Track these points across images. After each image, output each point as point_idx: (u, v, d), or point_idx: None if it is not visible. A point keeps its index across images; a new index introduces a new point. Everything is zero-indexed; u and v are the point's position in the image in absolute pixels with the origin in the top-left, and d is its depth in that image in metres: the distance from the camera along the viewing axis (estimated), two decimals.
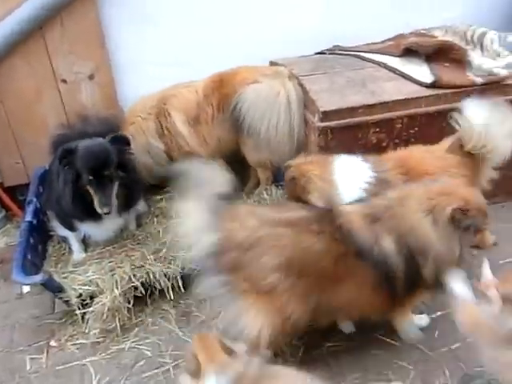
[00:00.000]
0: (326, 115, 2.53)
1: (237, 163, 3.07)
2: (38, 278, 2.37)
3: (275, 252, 1.76)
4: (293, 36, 3.37)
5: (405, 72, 2.79)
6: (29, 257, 2.52)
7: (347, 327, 2.32)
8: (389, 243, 1.82)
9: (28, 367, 2.35)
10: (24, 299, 2.77)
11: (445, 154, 2.39)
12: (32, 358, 2.39)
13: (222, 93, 2.80)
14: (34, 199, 2.86)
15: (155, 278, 2.51)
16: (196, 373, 1.51)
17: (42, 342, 2.47)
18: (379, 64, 2.92)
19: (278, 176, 3.06)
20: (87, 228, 2.63)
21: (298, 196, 2.34)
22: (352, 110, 2.55)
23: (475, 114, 2.28)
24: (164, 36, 3.23)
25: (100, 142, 2.46)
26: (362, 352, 2.28)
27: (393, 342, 2.32)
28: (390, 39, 3.32)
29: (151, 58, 3.27)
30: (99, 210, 2.41)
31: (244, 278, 1.78)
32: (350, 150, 2.59)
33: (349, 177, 2.28)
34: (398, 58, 2.96)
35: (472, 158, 2.36)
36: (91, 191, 2.41)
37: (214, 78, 2.87)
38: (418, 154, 2.40)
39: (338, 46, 3.37)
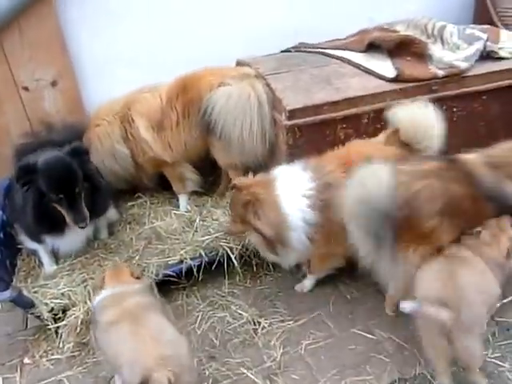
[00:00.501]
0: (293, 113, 2.53)
1: (205, 165, 3.07)
2: (7, 294, 2.31)
3: (433, 200, 2.03)
4: (258, 34, 3.37)
5: (368, 67, 2.81)
6: None
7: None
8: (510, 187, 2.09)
9: None
10: None
11: (383, 146, 2.46)
12: (5, 378, 2.33)
13: (187, 98, 2.76)
14: (0, 212, 2.77)
15: None
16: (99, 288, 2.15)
17: (15, 360, 2.41)
18: (343, 60, 2.93)
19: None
20: (54, 240, 2.57)
21: (244, 219, 2.32)
22: (318, 107, 2.55)
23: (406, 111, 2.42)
24: (129, 36, 3.19)
25: (61, 158, 2.37)
26: (340, 348, 2.31)
27: (369, 335, 2.36)
28: (353, 35, 3.34)
29: (116, 60, 3.21)
30: (75, 226, 2.39)
31: (408, 227, 2.02)
32: (318, 148, 2.60)
33: (291, 194, 2.28)
34: (361, 54, 2.98)
35: (409, 150, 2.43)
36: (61, 209, 2.36)
37: (178, 83, 2.82)
38: (357, 148, 2.43)
39: (303, 43, 3.38)
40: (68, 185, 2.33)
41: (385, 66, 2.80)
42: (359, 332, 2.38)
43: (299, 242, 2.31)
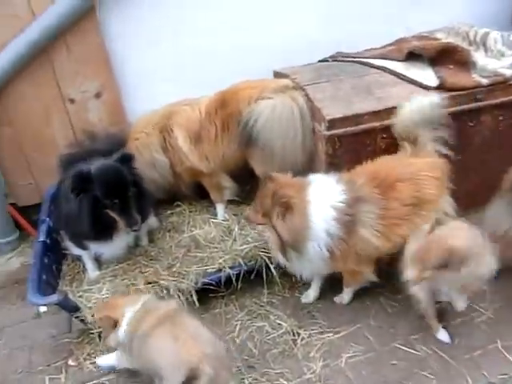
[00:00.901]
0: (333, 123, 2.52)
1: (242, 175, 3.09)
2: (54, 298, 2.39)
3: None
4: (294, 44, 3.38)
5: (409, 76, 2.77)
6: (44, 277, 2.54)
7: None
8: None
9: None
10: (41, 319, 2.80)
11: (412, 159, 2.45)
12: (51, 378, 2.40)
13: (225, 112, 2.79)
14: (47, 218, 2.89)
15: (169, 293, 2.52)
16: (114, 326, 2.11)
17: (60, 362, 2.48)
18: (383, 69, 2.91)
19: None
20: (98, 247, 2.64)
21: (267, 212, 2.29)
22: (358, 117, 2.54)
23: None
24: (169, 51, 3.26)
25: (113, 165, 2.46)
26: (382, 363, 2.27)
27: (413, 351, 2.30)
28: (390, 44, 3.31)
29: (156, 73, 3.29)
30: (128, 230, 2.49)
31: None
32: (358, 158, 2.59)
33: (322, 202, 2.25)
34: (401, 63, 2.95)
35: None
36: (114, 214, 2.43)
37: (217, 98, 2.87)
38: (386, 164, 2.44)
39: (341, 52, 3.37)
40: (121, 190, 2.41)
41: (426, 75, 2.76)
42: (401, 347, 2.33)
43: (316, 253, 2.27)
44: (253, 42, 3.35)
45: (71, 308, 2.49)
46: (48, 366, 2.48)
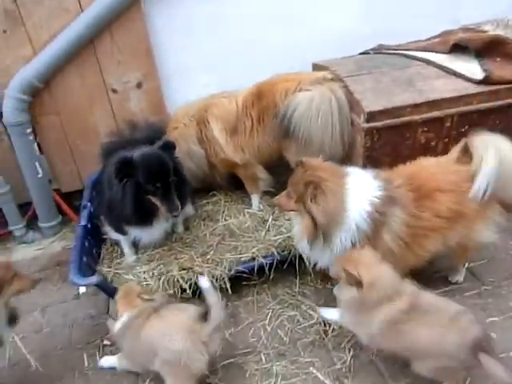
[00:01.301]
0: (372, 116, 2.49)
1: (277, 166, 3.10)
2: (94, 279, 2.49)
3: None
4: (334, 37, 3.36)
5: (454, 69, 2.70)
6: (84, 259, 2.64)
7: None
8: None
9: (86, 364, 2.47)
10: (81, 300, 2.93)
11: (457, 166, 2.27)
12: (89, 355, 2.51)
13: (262, 104, 2.81)
14: (88, 204, 3.00)
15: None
16: (116, 314, 2.22)
17: (97, 341, 2.58)
18: (427, 62, 2.84)
19: None
20: (137, 232, 2.71)
21: (301, 197, 2.20)
22: (399, 110, 2.50)
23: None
24: (209, 42, 3.32)
25: (156, 151, 2.53)
26: None
27: None
28: (436, 36, 3.23)
29: (196, 64, 3.36)
30: (169, 215, 2.54)
31: None
32: (397, 151, 2.56)
33: (358, 193, 2.18)
34: (445, 55, 2.88)
35: None
36: (156, 199, 2.49)
37: (253, 90, 2.88)
38: (428, 168, 2.29)
39: (383, 45, 3.32)
40: (163, 176, 2.47)
41: (471, 68, 2.69)
42: None
43: (342, 244, 2.20)
44: (293, 34, 3.36)
45: (109, 289, 2.58)
46: (87, 344, 2.59)
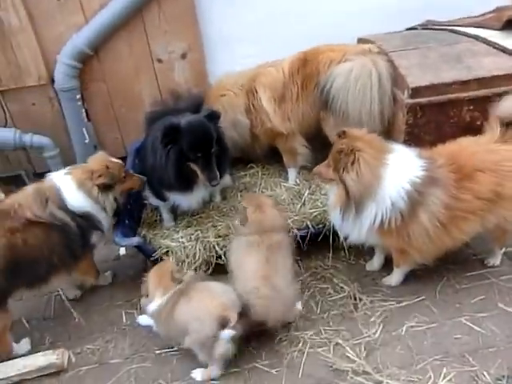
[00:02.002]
0: (417, 91, 2.44)
1: (316, 142, 3.10)
2: (135, 240, 2.61)
3: None
4: (381, 11, 3.29)
5: (505, 46, 2.59)
6: (127, 221, 2.76)
7: None
8: None
9: (124, 320, 2.62)
10: (121, 261, 3.07)
11: (497, 145, 2.20)
12: (127, 313, 2.66)
13: (305, 71, 2.82)
14: (131, 170, 3.10)
15: None
16: (146, 293, 2.26)
17: (135, 300, 2.71)
18: (476, 38, 2.74)
19: None
20: (176, 198, 2.80)
21: (336, 166, 2.20)
22: (445, 86, 2.44)
23: None
24: (253, 14, 3.32)
25: (202, 120, 2.56)
26: (444, 335, 2.25)
27: (478, 328, 2.25)
28: (489, 12, 3.10)
29: (239, 36, 3.36)
30: (208, 184, 2.59)
31: None
32: (440, 129, 2.50)
33: (398, 170, 2.14)
34: (498, 32, 2.77)
35: None
36: (196, 167, 2.55)
37: (299, 57, 2.89)
38: (468, 148, 2.23)
39: (431, 20, 3.22)
40: (206, 145, 2.52)
41: None
42: (467, 323, 2.29)
43: (372, 219, 2.18)
44: (339, 7, 3.31)
45: (148, 251, 2.69)
46: (126, 301, 2.74)
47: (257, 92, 2.94)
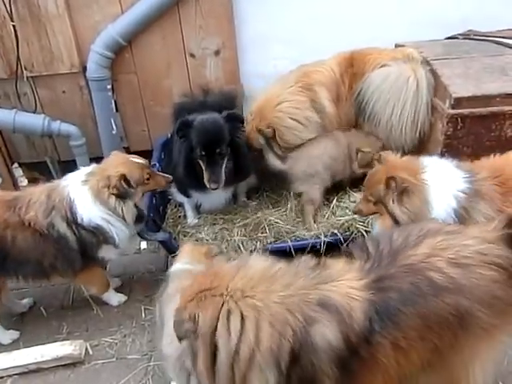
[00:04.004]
0: (459, 102, 2.38)
1: None
2: (160, 235, 2.58)
3: None
4: (420, 19, 3.23)
5: None
6: (151, 215, 2.73)
7: None
8: None
9: (143, 316, 2.58)
10: (141, 255, 3.04)
11: None
12: (146, 308, 2.62)
13: (352, 72, 2.77)
14: (157, 164, 3.07)
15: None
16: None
17: (155, 295, 2.67)
18: None
19: None
20: (198, 196, 2.77)
21: (380, 199, 2.12)
22: (488, 98, 2.37)
23: None
24: (289, 15, 3.27)
25: (215, 119, 2.52)
26: None
27: None
28: None
29: (274, 36, 3.32)
30: (207, 186, 2.52)
31: None
32: (479, 142, 2.44)
33: (441, 188, 2.04)
34: None
35: None
36: (202, 166, 2.52)
37: (345, 56, 2.84)
38: None
39: (473, 30, 3.15)
40: (211, 144, 2.47)
41: None
42: None
43: None
44: (377, 12, 3.25)
45: (172, 247, 2.65)
46: (145, 297, 2.70)
47: (315, 90, 2.80)
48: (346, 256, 1.63)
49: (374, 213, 2.25)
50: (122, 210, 2.29)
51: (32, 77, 3.20)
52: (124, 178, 2.25)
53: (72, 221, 2.25)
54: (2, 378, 2.28)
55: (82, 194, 2.26)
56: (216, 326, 1.40)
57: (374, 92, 2.63)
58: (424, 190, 2.06)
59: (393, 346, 1.42)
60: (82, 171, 2.38)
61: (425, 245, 1.52)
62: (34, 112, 3.26)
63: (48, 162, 3.52)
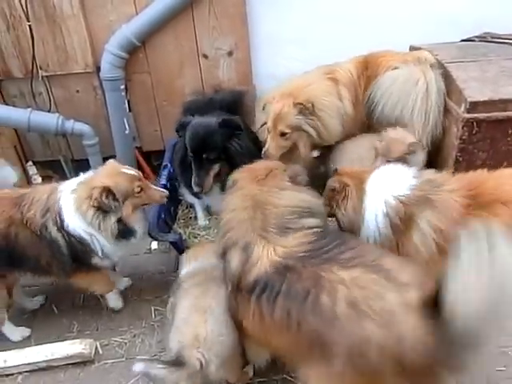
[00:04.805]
0: (474, 106, 2.34)
1: None
2: (172, 236, 2.58)
3: None
4: (436, 21, 3.19)
5: None
6: (162, 216, 2.73)
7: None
8: None
9: (153, 316, 2.59)
10: (152, 255, 3.03)
11: None
12: (156, 309, 2.62)
13: (367, 74, 2.77)
14: (169, 164, 3.08)
15: None
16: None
17: (165, 296, 2.67)
18: None
19: None
20: (206, 198, 2.78)
21: (328, 204, 2.19)
22: (505, 103, 2.34)
23: None
24: (301, 15, 3.25)
25: (208, 124, 2.52)
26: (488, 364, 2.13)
27: None
28: None
29: (287, 37, 3.30)
30: (193, 188, 2.55)
31: None
32: (495, 147, 2.40)
33: (376, 194, 2.05)
34: None
35: None
36: (192, 167, 2.54)
37: (359, 59, 2.84)
38: (498, 179, 2.00)
39: (489, 33, 3.10)
40: (198, 147, 2.48)
41: None
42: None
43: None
44: (391, 14, 3.21)
45: (182, 249, 2.65)
46: (155, 297, 2.70)
47: (340, 88, 2.78)
48: None
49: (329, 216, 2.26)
50: (100, 224, 2.17)
51: (47, 76, 3.24)
52: (108, 190, 2.12)
53: (61, 227, 2.21)
54: (12, 374, 2.30)
55: (68, 203, 2.20)
56: None
57: (383, 94, 2.62)
58: (359, 195, 2.10)
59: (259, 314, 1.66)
60: (78, 178, 2.32)
61: (349, 271, 1.52)
62: (49, 111, 3.29)
63: (61, 161, 3.56)
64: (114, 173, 2.24)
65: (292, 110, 2.59)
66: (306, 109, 2.57)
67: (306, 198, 1.93)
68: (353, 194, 2.13)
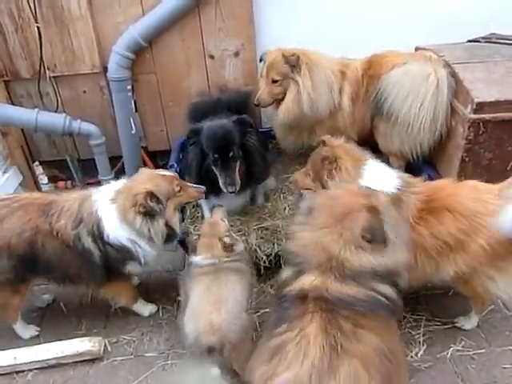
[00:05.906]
0: (481, 107, 2.35)
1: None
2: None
3: None
4: (441, 22, 3.20)
5: None
6: None
7: None
8: None
9: (160, 314, 2.62)
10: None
11: (494, 197, 1.95)
12: (164, 307, 2.65)
13: (369, 74, 2.79)
14: (175, 164, 3.09)
15: (279, 251, 2.58)
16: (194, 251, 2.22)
17: (173, 295, 2.70)
18: None
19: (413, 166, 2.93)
20: (215, 199, 2.76)
21: (318, 174, 2.20)
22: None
23: None
24: (307, 16, 3.26)
25: (224, 124, 2.53)
26: (492, 363, 2.16)
27: None
28: None
29: (292, 38, 3.26)
30: (224, 190, 2.53)
31: None
32: (501, 147, 2.41)
33: (373, 182, 2.02)
34: None
35: None
36: (216, 170, 2.53)
37: (366, 60, 2.86)
38: (455, 188, 2.07)
39: (495, 34, 3.10)
40: (223, 147, 2.47)
41: None
42: None
43: None
44: (397, 15, 3.22)
45: (191, 248, 2.67)
46: (163, 296, 2.72)
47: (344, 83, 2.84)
48: None
49: (308, 188, 2.30)
50: (150, 230, 2.18)
51: (54, 77, 3.25)
52: (151, 194, 2.13)
53: (98, 237, 2.20)
54: (23, 371, 2.33)
55: (109, 213, 2.19)
56: None
57: (393, 88, 2.61)
58: (358, 176, 2.11)
59: None
60: (112, 187, 2.31)
61: None
62: (56, 111, 3.31)
63: (68, 161, 3.57)
64: (152, 177, 2.25)
65: (281, 59, 2.78)
66: (291, 60, 2.75)
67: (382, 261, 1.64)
68: (349, 168, 2.13)
